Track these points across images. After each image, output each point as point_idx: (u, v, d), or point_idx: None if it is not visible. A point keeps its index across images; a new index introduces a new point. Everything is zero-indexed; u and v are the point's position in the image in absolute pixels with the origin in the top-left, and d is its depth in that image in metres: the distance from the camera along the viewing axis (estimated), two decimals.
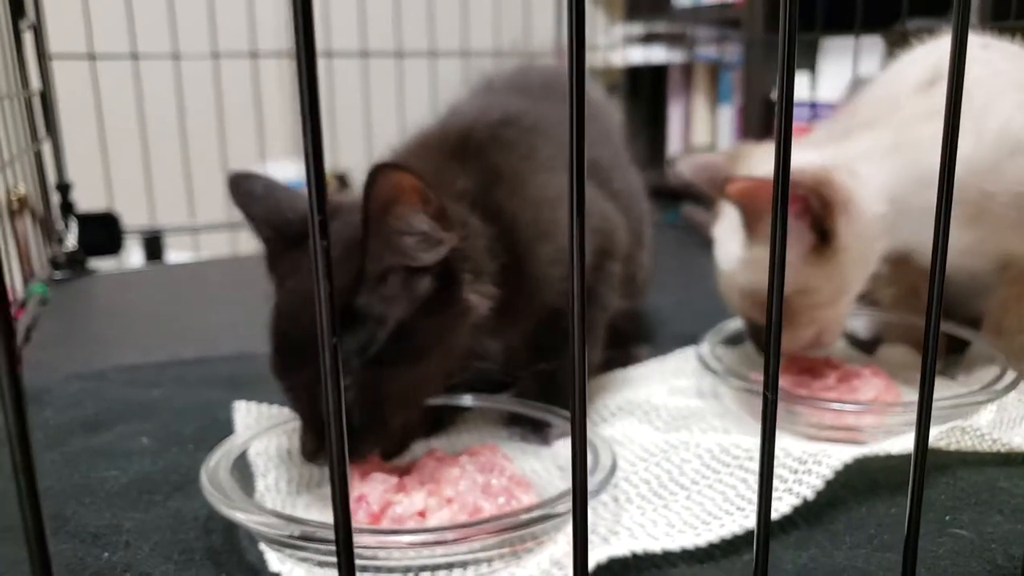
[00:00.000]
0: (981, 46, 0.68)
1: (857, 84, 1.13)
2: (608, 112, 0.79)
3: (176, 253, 1.44)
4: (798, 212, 0.62)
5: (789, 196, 0.58)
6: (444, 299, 0.50)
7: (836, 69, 1.38)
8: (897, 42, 1.24)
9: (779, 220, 0.26)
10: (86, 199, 1.32)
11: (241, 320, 0.93)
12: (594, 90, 0.79)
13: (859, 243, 0.63)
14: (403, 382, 0.51)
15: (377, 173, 0.45)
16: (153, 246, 1.36)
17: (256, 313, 0.95)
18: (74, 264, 1.20)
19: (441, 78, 1.41)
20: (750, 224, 0.66)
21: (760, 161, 0.67)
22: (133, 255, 1.44)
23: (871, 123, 0.67)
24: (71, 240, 1.22)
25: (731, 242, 0.68)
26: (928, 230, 0.33)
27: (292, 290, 0.50)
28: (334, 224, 0.48)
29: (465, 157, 0.57)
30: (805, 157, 0.64)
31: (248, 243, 1.57)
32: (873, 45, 1.27)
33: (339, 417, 0.24)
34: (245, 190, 0.52)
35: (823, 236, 0.63)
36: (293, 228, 0.51)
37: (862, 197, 0.63)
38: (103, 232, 1.26)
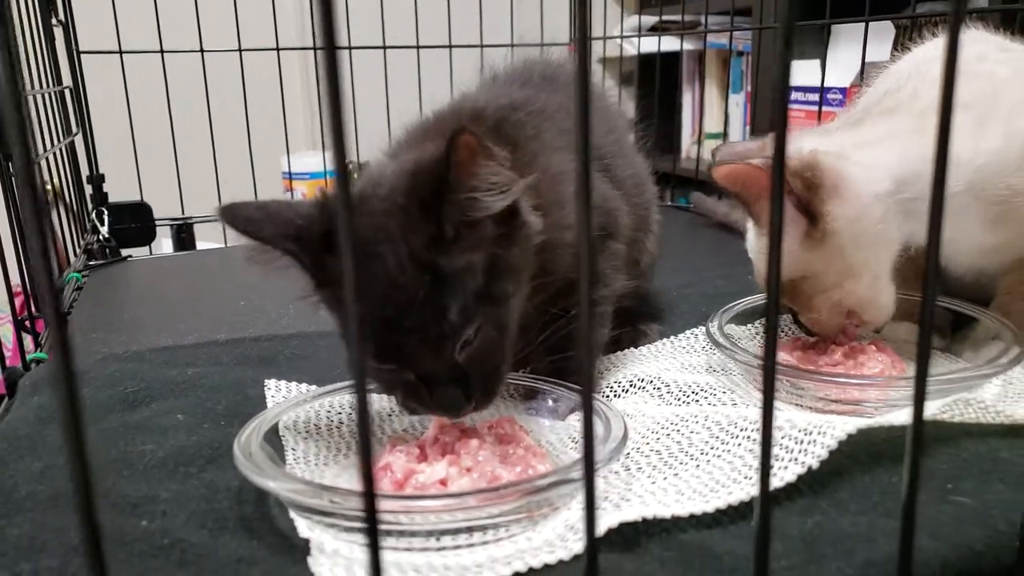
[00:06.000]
0: (1001, 48, 0.68)
1: (868, 70, 1.13)
2: (608, 102, 0.81)
3: (202, 243, 1.47)
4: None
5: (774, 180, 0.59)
6: (512, 227, 0.53)
7: (846, 55, 1.37)
8: (907, 27, 1.24)
9: (777, 204, 0.27)
10: (116, 191, 1.35)
11: (269, 304, 0.96)
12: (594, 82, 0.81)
13: (855, 225, 0.62)
14: (507, 316, 0.53)
15: (456, 138, 0.47)
16: (183, 236, 1.40)
17: (282, 299, 0.98)
18: (108, 253, 1.24)
19: (457, 71, 1.43)
20: (749, 210, 0.65)
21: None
22: (163, 245, 1.47)
23: (892, 110, 0.66)
24: (104, 230, 1.25)
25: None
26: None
27: (370, 281, 0.50)
28: (366, 209, 0.50)
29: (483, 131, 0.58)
30: (805, 144, 0.64)
31: None
32: (883, 30, 1.26)
33: (363, 393, 0.25)
34: (244, 217, 0.52)
35: (813, 219, 0.62)
36: (314, 230, 0.51)
37: (857, 178, 0.62)
38: (136, 222, 1.30)
